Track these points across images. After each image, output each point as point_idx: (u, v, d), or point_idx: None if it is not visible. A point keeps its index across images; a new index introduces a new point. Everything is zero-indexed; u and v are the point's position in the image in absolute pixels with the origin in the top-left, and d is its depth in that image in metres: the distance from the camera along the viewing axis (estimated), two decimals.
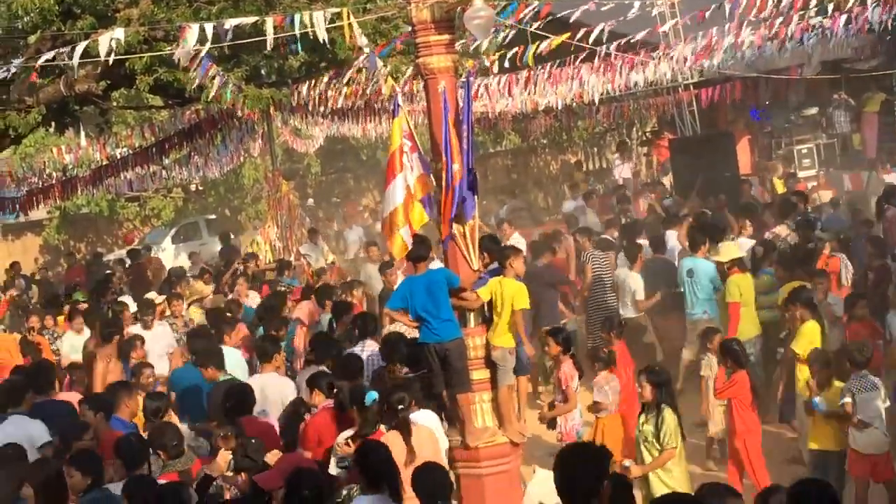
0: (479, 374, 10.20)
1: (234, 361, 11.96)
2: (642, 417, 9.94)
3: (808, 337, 11.49)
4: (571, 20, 17.28)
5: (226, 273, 18.91)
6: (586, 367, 11.78)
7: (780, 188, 22.06)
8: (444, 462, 9.16)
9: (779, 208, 17.35)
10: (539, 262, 16.02)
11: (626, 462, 9.74)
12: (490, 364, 10.22)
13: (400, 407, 9.14)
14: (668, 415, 9.58)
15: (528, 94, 21.47)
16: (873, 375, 10.43)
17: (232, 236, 27.27)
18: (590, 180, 29.41)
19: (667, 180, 24.75)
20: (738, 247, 14.26)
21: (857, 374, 10.28)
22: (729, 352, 11.18)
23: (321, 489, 6.38)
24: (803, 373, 11.07)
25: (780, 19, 18.84)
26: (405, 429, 9.14)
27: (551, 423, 11.71)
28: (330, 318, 13.25)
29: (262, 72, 18.27)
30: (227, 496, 7.74)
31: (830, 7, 19.09)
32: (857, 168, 24.11)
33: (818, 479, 5.94)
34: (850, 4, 19.14)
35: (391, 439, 9.06)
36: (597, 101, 23.02)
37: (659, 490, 9.63)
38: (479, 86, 20.60)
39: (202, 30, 12.24)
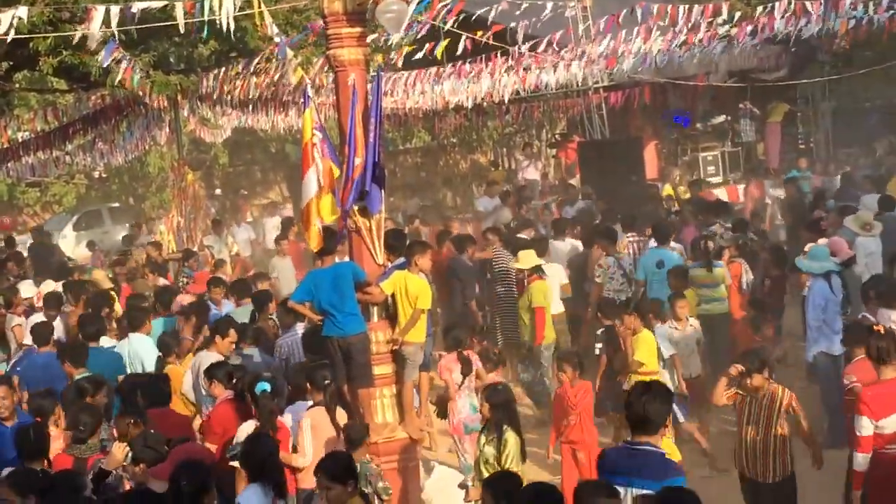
0: (382, 370, 10.18)
1: (145, 349, 11.72)
2: (483, 437, 9.10)
3: (647, 345, 11.49)
4: (488, 19, 17.35)
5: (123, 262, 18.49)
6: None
7: (669, 191, 22.33)
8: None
9: (713, 210, 17.62)
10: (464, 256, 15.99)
11: (468, 482, 9.01)
12: (397, 359, 10.22)
13: (326, 382, 9.13)
14: (510, 437, 8.72)
15: (439, 91, 21.49)
16: None
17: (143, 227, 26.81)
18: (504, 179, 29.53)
19: (575, 181, 24.93)
20: (534, 255, 14.34)
21: None
22: (570, 360, 11.03)
23: (204, 482, 6.28)
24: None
25: (689, 25, 19.14)
26: (331, 405, 9.16)
27: (442, 413, 11.64)
28: (252, 310, 13.06)
29: (171, 59, 17.98)
30: (127, 486, 7.58)
31: (737, 16, 19.46)
32: (759, 177, 24.57)
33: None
34: (756, 15, 19.53)
35: (315, 415, 9.02)
36: (506, 100, 23.14)
37: None
38: (390, 81, 20.57)
39: (108, 12, 12.02)
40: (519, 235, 16.95)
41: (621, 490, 6.25)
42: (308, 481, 8.79)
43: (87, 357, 10.65)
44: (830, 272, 12.13)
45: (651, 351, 11.42)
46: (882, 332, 8.56)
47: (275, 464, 7.33)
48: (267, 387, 8.74)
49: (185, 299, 13.84)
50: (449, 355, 11.39)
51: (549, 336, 13.93)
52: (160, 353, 11.48)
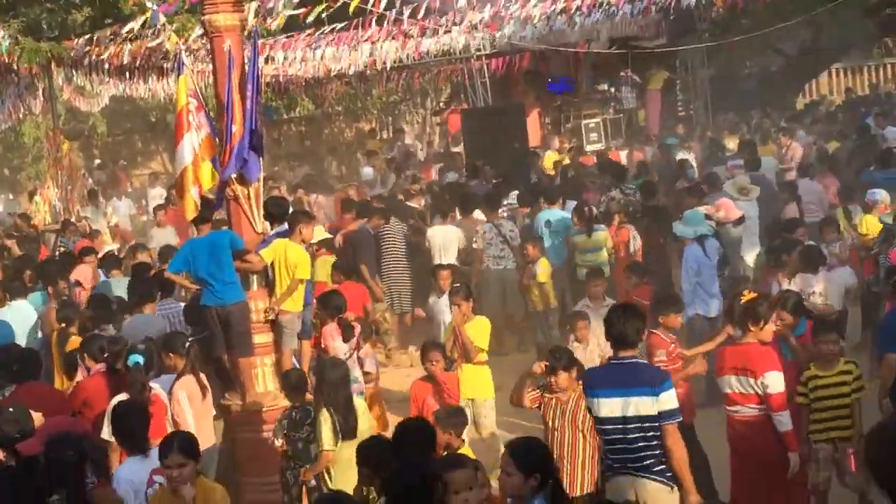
0: (261, 338, 10.11)
1: (22, 316, 11.42)
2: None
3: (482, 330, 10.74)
4: None
5: None
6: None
7: (549, 162, 22.50)
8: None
9: (615, 173, 17.79)
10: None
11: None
12: (275, 328, 10.16)
13: (186, 346, 9.08)
14: (323, 416, 8.36)
15: (320, 58, 21.29)
16: None
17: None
18: (384, 148, 29.43)
19: (459, 149, 24.98)
20: (322, 229, 14.38)
21: None
22: (438, 347, 10.08)
23: (78, 452, 6.12)
24: None
25: None
26: (196, 368, 9.13)
27: None
28: (129, 280, 12.74)
29: (43, 25, 17.51)
30: None
31: None
32: (641, 143, 24.90)
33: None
34: None
35: (186, 384, 8.96)
36: (388, 67, 23.04)
37: None
38: (269, 48, 20.30)
39: None
40: (408, 204, 16.95)
41: (619, 401, 6.93)
42: None
43: None
44: (704, 236, 12.34)
45: (486, 334, 10.61)
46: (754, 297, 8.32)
47: (142, 428, 7.19)
48: (140, 359, 8.57)
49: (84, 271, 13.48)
50: (332, 323, 11.30)
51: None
52: (62, 324, 11.15)
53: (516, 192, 17.14)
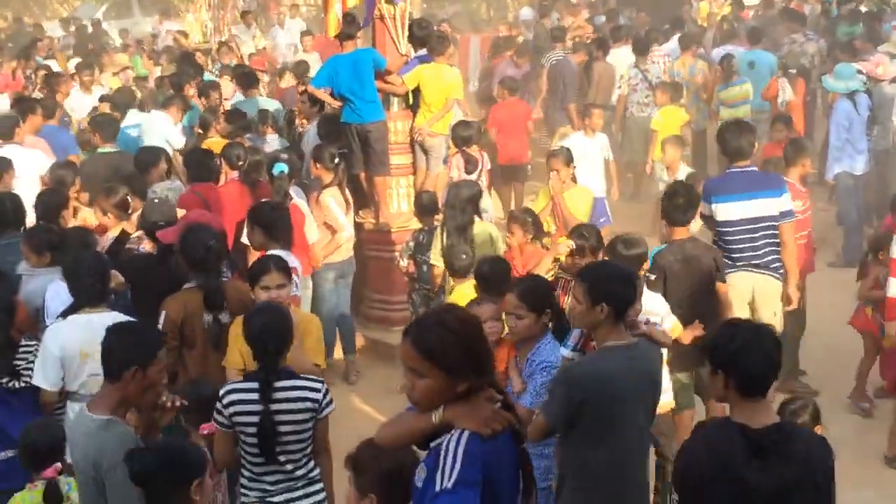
0: (399, 160, 10.22)
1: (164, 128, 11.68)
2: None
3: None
4: None
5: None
6: None
7: (704, 12, 21.78)
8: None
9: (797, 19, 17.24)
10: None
11: None
12: (420, 150, 10.22)
13: (336, 161, 9.03)
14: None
15: None
16: None
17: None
18: None
19: None
20: None
21: None
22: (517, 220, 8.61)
23: (218, 243, 6.27)
24: None
25: None
26: (343, 183, 9.13)
27: None
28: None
29: None
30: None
31: None
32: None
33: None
34: None
35: (332, 193, 9.01)
36: None
37: None
38: None
39: None
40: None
41: (750, 203, 7.62)
42: (344, 252, 9.14)
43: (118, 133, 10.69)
44: (855, 91, 11.91)
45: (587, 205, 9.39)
46: None
47: (288, 225, 7.30)
48: (284, 168, 8.71)
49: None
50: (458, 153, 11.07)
51: None
52: (200, 130, 11.40)
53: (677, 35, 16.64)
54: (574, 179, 9.21)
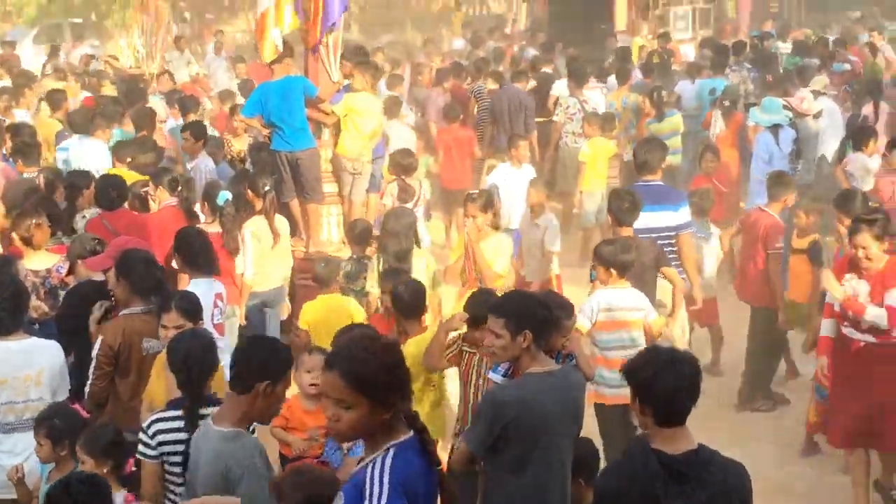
0: (331, 188, 10.23)
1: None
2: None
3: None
4: None
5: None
6: None
7: (635, 48, 22.05)
8: None
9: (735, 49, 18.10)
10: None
11: None
12: (347, 175, 10.22)
13: (266, 189, 8.87)
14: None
15: None
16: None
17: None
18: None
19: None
20: None
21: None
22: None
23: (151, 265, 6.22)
24: None
25: None
26: (270, 212, 8.93)
27: None
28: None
29: None
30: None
31: None
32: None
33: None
34: None
35: (256, 224, 8.88)
36: None
37: None
38: None
39: None
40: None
41: (652, 215, 8.15)
42: (274, 280, 9.15)
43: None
44: (778, 125, 12.10)
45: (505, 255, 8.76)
46: None
47: (209, 253, 7.26)
48: (229, 196, 8.70)
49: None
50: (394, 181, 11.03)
51: None
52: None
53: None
54: (497, 214, 8.79)
